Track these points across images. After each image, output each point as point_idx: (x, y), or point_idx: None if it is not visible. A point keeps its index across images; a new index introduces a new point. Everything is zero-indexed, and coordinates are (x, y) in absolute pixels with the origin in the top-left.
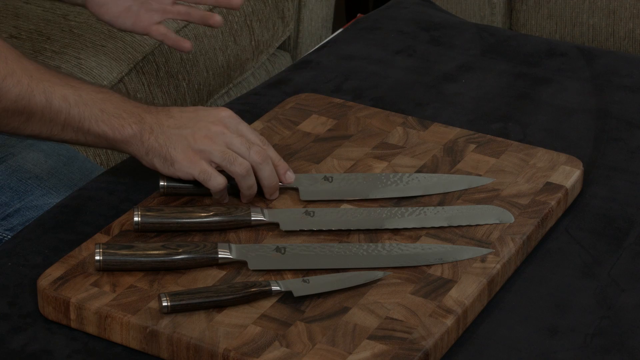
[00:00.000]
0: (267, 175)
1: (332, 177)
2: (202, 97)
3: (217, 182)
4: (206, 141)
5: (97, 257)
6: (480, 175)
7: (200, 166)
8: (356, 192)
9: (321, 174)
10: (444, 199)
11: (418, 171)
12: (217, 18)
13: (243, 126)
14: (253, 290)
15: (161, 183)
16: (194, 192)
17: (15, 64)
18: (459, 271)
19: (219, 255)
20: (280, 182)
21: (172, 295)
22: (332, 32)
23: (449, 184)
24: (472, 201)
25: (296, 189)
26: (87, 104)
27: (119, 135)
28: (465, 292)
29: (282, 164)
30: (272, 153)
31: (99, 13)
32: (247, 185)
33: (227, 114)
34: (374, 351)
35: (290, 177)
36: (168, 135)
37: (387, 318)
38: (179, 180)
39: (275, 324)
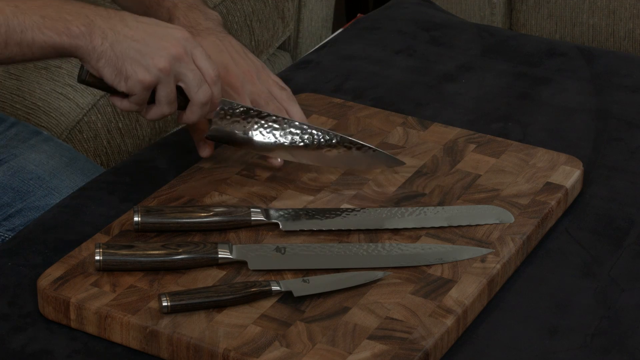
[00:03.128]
0: (200, 114)
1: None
2: None
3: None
4: (162, 68)
5: (97, 257)
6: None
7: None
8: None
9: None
10: (444, 199)
11: (418, 171)
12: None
13: (198, 51)
14: (253, 290)
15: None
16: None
17: None
18: (459, 271)
19: (219, 255)
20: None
21: (172, 295)
22: (332, 32)
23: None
24: (472, 201)
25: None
26: (26, 13)
27: (66, 38)
28: (465, 292)
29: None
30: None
31: None
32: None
33: (184, 35)
34: (374, 351)
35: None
36: (125, 47)
37: (387, 318)
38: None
39: (275, 324)
